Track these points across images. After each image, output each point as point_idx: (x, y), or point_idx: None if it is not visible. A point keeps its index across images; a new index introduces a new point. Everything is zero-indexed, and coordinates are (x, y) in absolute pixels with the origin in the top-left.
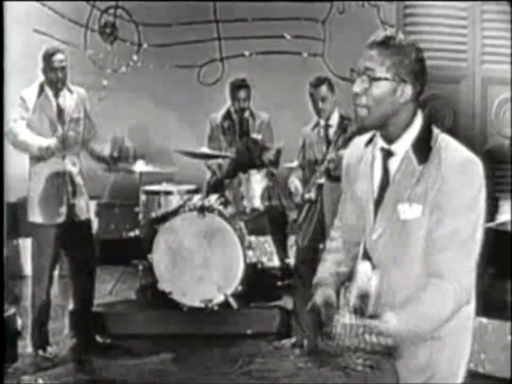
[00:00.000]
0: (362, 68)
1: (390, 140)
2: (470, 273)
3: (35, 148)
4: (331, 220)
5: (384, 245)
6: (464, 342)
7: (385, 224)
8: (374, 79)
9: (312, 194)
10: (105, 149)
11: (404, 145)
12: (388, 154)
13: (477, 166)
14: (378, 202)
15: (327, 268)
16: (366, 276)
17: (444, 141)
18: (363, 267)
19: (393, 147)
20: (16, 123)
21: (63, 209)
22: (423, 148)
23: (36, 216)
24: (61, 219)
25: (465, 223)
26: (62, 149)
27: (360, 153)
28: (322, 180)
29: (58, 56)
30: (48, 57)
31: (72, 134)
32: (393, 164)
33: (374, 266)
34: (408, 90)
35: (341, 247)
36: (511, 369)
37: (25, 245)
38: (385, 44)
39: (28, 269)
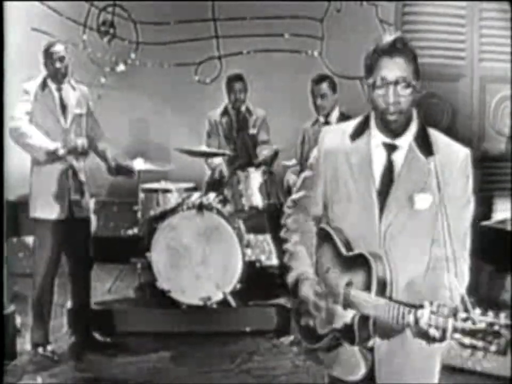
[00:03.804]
0: (396, 78)
1: (394, 135)
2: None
3: (42, 152)
4: None
5: (395, 234)
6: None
7: (394, 214)
8: (409, 86)
9: None
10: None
11: (407, 139)
12: (391, 148)
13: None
14: (383, 193)
15: (303, 260)
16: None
17: (434, 134)
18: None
19: (398, 142)
20: (22, 121)
21: (65, 205)
22: (424, 141)
23: (37, 211)
24: (62, 215)
25: (468, 213)
26: (67, 153)
27: (344, 149)
28: None
29: (57, 47)
30: (47, 49)
31: (75, 130)
32: (398, 156)
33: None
34: (419, 94)
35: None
36: (511, 368)
37: (25, 243)
38: (405, 47)
39: (27, 266)
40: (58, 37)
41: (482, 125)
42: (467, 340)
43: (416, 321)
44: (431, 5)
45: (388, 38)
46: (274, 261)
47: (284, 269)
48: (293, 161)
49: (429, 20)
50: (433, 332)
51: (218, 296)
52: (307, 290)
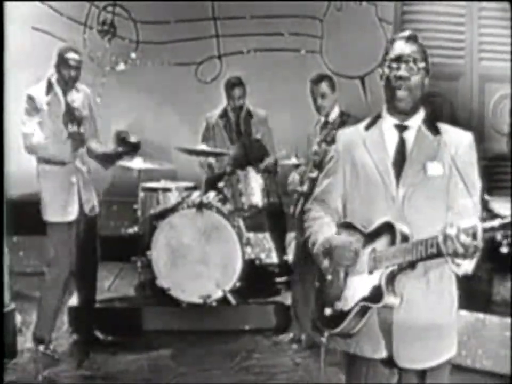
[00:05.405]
0: (407, 57)
1: (404, 118)
2: None
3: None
4: None
5: (412, 201)
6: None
7: (410, 182)
8: (417, 68)
9: (305, 188)
10: (107, 146)
11: (416, 121)
12: (402, 128)
13: None
14: (397, 167)
15: (332, 231)
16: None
17: (438, 123)
18: None
19: (408, 122)
20: (35, 137)
21: (75, 207)
22: (432, 123)
23: (49, 215)
24: (73, 216)
25: (478, 188)
26: (75, 150)
27: (360, 137)
28: (315, 174)
29: (75, 55)
30: (64, 53)
31: (82, 131)
32: (409, 135)
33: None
34: (427, 82)
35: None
36: (511, 365)
37: (25, 242)
38: (417, 41)
39: (28, 265)
40: (59, 36)
41: (481, 124)
42: (499, 235)
43: (446, 237)
44: (430, 4)
45: (404, 32)
46: (274, 259)
47: (309, 245)
48: (293, 160)
49: (428, 19)
50: (464, 238)
51: (218, 294)
52: (345, 237)
